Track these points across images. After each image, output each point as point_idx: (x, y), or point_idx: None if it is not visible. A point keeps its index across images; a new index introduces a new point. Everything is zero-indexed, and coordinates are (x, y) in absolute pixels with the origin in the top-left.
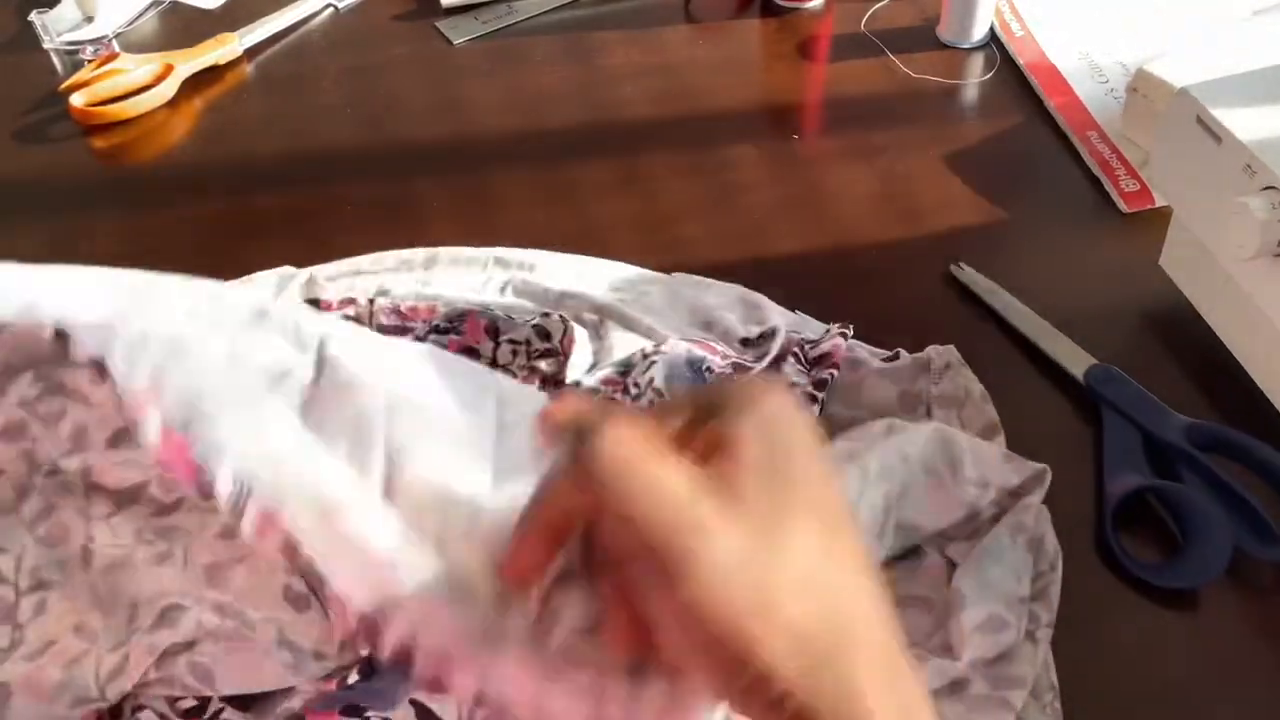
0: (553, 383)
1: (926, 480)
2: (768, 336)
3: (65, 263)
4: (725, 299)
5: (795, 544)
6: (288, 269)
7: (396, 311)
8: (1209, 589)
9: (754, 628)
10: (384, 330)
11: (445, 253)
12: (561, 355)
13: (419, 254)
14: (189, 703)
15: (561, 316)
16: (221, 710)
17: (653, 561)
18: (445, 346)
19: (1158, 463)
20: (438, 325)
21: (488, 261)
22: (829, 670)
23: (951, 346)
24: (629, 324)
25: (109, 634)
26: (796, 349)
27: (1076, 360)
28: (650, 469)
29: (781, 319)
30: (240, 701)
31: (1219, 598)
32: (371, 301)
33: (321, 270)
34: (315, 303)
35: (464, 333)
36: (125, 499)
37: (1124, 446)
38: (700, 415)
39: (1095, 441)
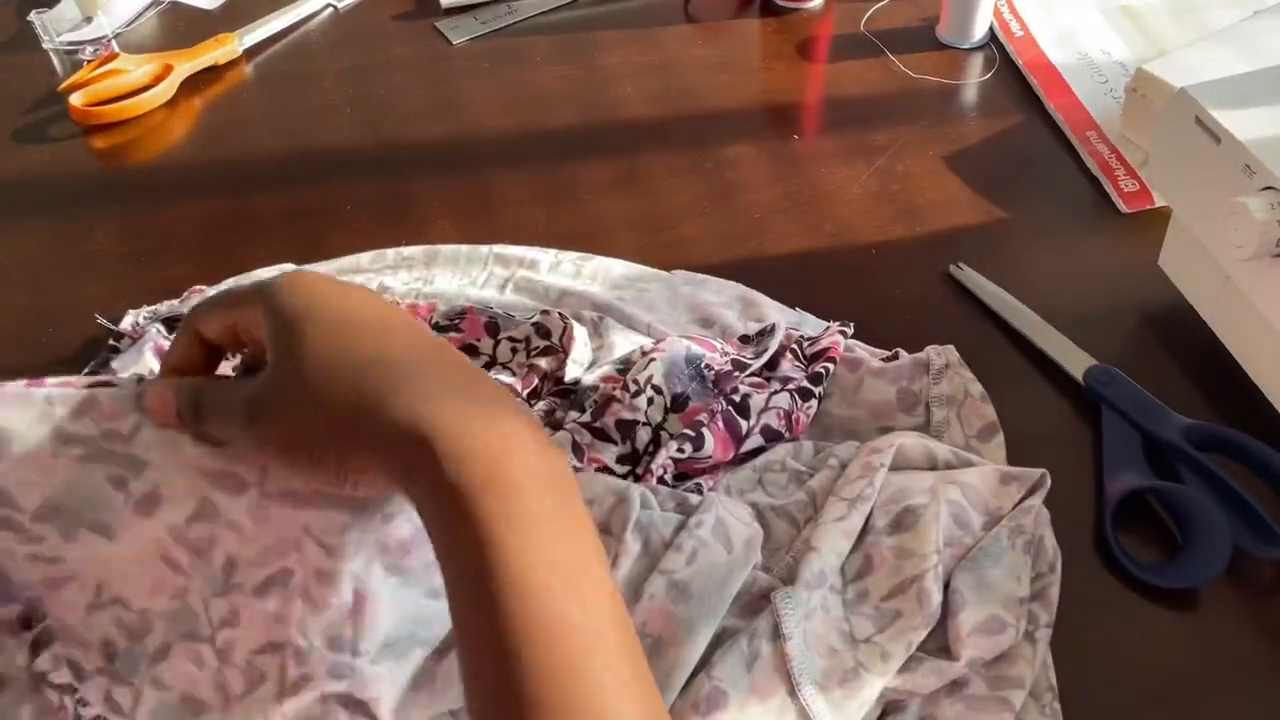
0: (552, 380)
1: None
2: (766, 333)
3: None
4: (724, 296)
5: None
6: (288, 266)
7: None
8: (1209, 589)
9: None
10: None
11: (445, 250)
12: (561, 353)
13: (419, 251)
14: None
15: (561, 314)
16: None
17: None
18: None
19: (1157, 463)
20: (437, 323)
21: (488, 259)
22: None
23: (951, 346)
24: (629, 321)
25: None
26: (795, 345)
27: (1076, 360)
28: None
29: (780, 315)
30: None
31: (1219, 598)
32: None
33: (322, 268)
34: None
35: (464, 330)
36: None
37: (1124, 446)
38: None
39: (1095, 442)
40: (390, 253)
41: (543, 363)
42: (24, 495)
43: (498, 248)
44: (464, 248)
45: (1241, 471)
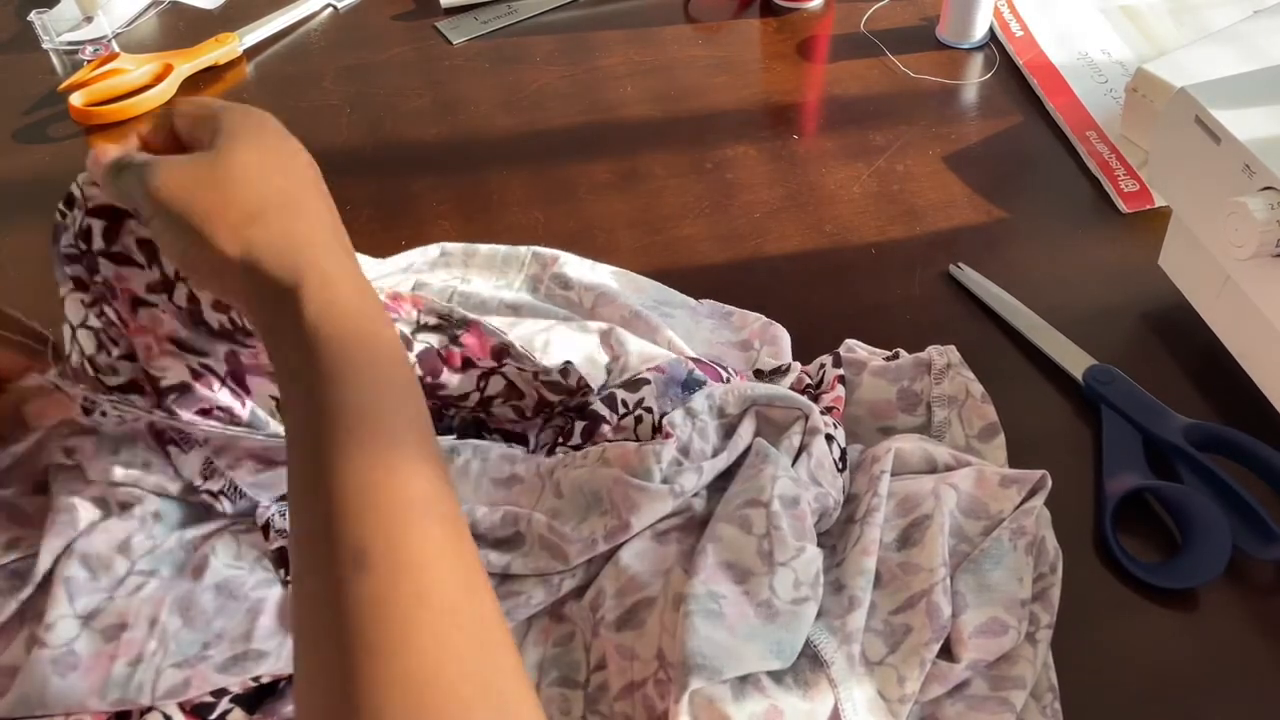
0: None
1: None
2: (782, 371)
3: None
4: (742, 335)
5: (234, 159)
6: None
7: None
8: (1209, 589)
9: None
10: None
11: (484, 250)
12: (567, 395)
13: (458, 249)
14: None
15: (581, 379)
16: (229, 712)
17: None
18: (442, 352)
19: (1157, 463)
20: (425, 323)
21: (526, 259)
22: (268, 227)
23: (952, 347)
24: (653, 335)
25: (179, 645)
26: (806, 389)
27: (1076, 360)
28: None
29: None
30: (246, 703)
31: (1219, 598)
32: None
33: (373, 266)
34: None
35: (465, 345)
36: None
37: (1123, 446)
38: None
39: (1095, 441)
40: (434, 249)
41: (550, 395)
42: None
43: (536, 248)
44: (502, 248)
45: (1241, 471)
